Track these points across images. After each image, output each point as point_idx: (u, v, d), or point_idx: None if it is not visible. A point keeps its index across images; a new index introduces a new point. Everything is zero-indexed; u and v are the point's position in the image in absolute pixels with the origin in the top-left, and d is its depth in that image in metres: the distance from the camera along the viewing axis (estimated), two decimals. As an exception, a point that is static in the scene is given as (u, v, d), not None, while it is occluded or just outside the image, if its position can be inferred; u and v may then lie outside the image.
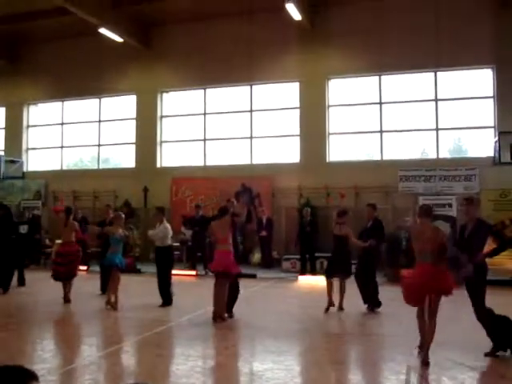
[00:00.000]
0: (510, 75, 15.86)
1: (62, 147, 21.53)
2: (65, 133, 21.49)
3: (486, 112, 16.54)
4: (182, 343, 7.85)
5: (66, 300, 10.48)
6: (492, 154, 15.55)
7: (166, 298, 10.21)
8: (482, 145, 16.61)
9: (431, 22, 16.32)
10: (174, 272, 10.89)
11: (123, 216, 10.61)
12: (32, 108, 22.24)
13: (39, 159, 21.93)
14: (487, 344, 6.70)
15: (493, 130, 16.21)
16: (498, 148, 14.78)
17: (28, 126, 22.08)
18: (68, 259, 10.63)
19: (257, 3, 17.60)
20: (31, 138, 22.05)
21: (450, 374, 6.01)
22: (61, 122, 21.56)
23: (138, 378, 5.77)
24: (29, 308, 10.52)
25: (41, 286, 12.85)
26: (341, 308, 9.81)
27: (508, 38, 15.71)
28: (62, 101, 21.48)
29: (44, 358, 6.60)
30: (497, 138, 15.09)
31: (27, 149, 21.93)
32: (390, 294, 9.90)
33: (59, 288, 10.51)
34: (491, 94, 16.46)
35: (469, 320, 7.09)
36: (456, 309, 9.41)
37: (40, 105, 22.29)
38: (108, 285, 10.26)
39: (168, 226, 10.48)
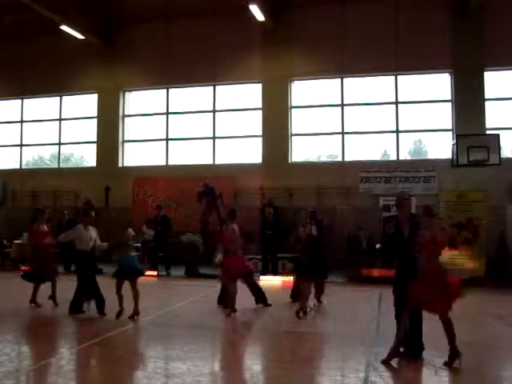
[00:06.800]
0: (466, 80, 16.36)
1: (21, 145, 21.08)
2: (24, 131, 21.06)
3: (445, 115, 16.92)
4: (143, 344, 7.81)
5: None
6: (450, 157, 15.90)
7: None
8: (441, 147, 16.99)
9: (392, 27, 16.71)
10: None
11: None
12: (-10, 105, 21.72)
13: (-3, 158, 21.45)
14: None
15: (451, 132, 16.61)
16: (455, 150, 15.13)
17: (-15, 124, 21.55)
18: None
19: (220, 3, 17.67)
20: (-12, 135, 21.53)
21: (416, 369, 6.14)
22: (20, 120, 21.13)
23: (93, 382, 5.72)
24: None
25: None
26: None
27: (464, 44, 16.22)
28: (22, 98, 21.01)
29: (0, 361, 6.47)
30: (455, 140, 15.44)
31: (-16, 147, 21.42)
32: (351, 295, 10.03)
33: (19, 290, 10.27)
34: (449, 98, 16.86)
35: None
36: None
37: (-2, 102, 21.81)
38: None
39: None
